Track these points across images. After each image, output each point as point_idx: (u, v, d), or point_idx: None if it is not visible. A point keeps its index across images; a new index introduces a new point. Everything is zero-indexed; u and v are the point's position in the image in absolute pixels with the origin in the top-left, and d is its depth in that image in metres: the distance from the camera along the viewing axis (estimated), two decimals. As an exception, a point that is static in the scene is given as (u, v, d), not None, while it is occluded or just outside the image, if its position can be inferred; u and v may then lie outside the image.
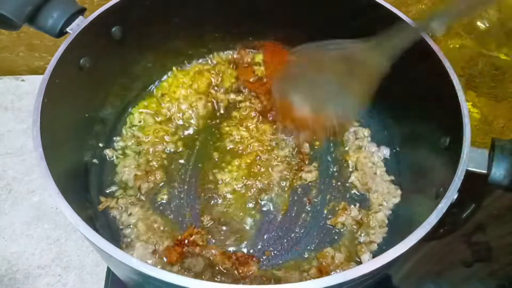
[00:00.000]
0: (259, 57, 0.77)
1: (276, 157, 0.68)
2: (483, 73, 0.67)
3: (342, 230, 0.62)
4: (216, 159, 0.68)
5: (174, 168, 0.67)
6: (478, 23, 0.66)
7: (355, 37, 0.67)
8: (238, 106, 0.74)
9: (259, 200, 0.64)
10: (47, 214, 0.72)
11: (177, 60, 0.76)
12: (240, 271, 0.57)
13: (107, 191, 0.64)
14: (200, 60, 0.78)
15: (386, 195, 0.64)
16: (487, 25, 0.65)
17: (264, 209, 0.64)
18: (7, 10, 0.51)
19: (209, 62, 0.78)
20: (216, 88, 0.75)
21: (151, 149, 0.68)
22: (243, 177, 0.66)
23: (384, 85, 0.70)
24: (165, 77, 0.76)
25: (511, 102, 0.68)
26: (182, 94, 0.73)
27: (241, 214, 0.63)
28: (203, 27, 0.73)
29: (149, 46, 0.70)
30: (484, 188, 0.68)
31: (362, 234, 0.61)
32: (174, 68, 0.76)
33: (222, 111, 0.74)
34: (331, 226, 0.63)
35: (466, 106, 0.50)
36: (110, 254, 0.39)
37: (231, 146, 0.69)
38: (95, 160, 0.65)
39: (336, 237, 0.62)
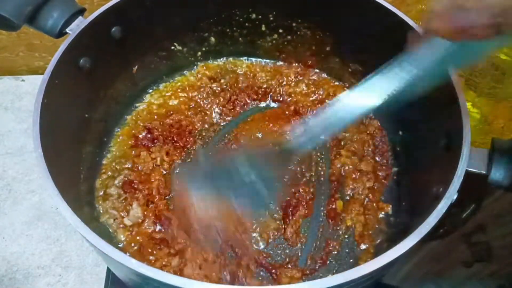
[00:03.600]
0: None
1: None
2: (483, 73, 0.67)
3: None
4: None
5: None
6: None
7: (355, 37, 0.68)
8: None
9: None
10: (47, 214, 0.72)
11: (177, 60, 0.76)
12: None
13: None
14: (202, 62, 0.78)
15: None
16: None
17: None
18: (6, 11, 0.51)
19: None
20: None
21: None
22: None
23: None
24: (165, 78, 0.76)
25: (511, 102, 0.68)
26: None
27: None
28: (204, 28, 0.73)
29: (149, 46, 0.70)
30: (484, 188, 0.68)
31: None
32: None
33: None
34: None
35: (466, 106, 0.50)
36: (109, 255, 0.39)
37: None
38: (95, 160, 0.65)
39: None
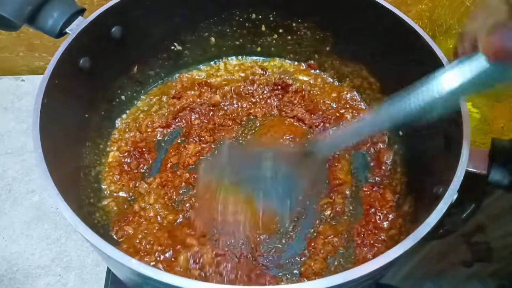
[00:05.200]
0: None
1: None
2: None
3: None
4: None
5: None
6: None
7: (355, 37, 0.68)
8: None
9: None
10: (47, 214, 0.72)
11: (177, 60, 0.76)
12: None
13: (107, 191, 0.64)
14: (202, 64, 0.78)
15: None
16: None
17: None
18: (6, 11, 0.51)
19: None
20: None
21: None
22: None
23: (383, 86, 0.71)
24: (165, 78, 0.76)
25: (511, 102, 0.68)
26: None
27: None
28: (204, 28, 0.73)
29: (149, 46, 0.70)
30: (484, 188, 0.68)
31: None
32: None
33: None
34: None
35: (466, 106, 0.50)
36: (109, 255, 0.39)
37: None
38: (95, 160, 0.65)
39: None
